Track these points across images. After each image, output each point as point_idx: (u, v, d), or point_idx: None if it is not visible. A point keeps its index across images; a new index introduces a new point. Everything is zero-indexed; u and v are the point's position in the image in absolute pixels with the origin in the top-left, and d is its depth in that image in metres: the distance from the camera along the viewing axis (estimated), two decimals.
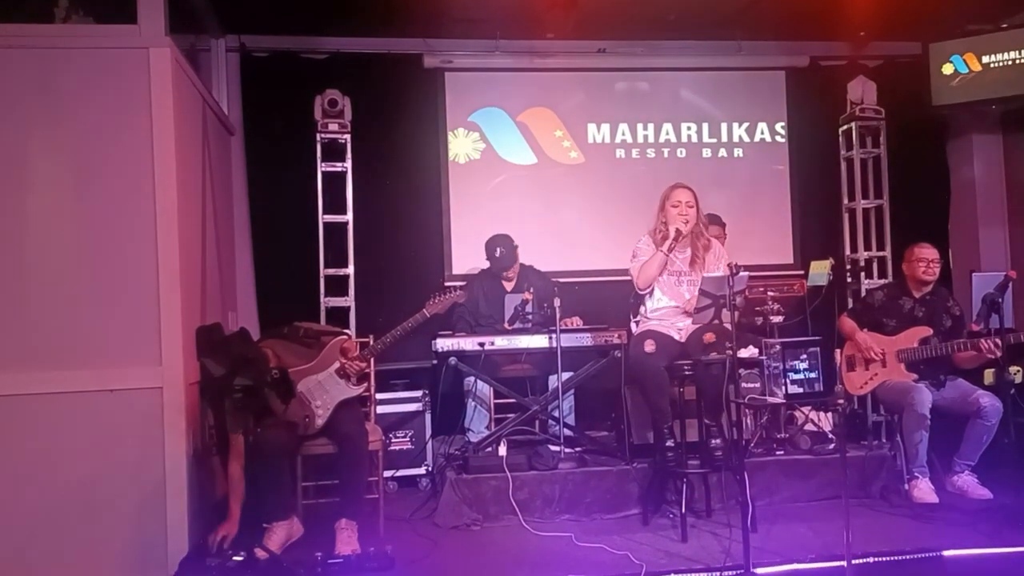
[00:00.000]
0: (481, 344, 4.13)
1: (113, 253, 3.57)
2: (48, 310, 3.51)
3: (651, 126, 5.81)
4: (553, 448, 4.02)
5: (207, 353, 3.52)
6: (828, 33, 5.67)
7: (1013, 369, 4.00)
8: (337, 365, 3.61)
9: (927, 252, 4.29)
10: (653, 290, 3.94)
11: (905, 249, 4.43)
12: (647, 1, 5.16)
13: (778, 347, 4.39)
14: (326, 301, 4.85)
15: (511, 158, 5.68)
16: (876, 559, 3.16)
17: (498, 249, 4.63)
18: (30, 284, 3.52)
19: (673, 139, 5.83)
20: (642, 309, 4.02)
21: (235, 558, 3.20)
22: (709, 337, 3.64)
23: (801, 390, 4.39)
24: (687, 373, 3.73)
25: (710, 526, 3.67)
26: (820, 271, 5.11)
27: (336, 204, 4.89)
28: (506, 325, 4.32)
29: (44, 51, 3.57)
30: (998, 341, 3.77)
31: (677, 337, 3.84)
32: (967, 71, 5.50)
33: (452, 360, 4.11)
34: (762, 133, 5.93)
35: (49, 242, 3.55)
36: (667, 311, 3.93)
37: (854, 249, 5.36)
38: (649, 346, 3.72)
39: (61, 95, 3.56)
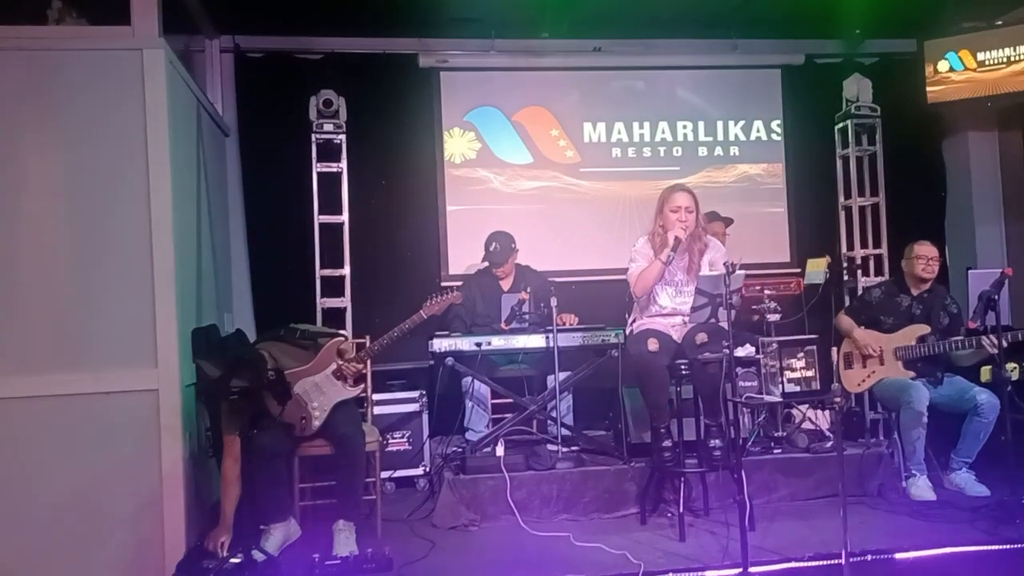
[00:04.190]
0: (478, 344, 4.12)
1: (108, 255, 3.56)
2: (43, 313, 3.50)
3: (647, 125, 5.81)
4: (551, 448, 4.01)
5: (203, 355, 3.50)
6: (823, 31, 5.67)
7: (1010, 366, 4.00)
8: (334, 367, 3.60)
9: (927, 249, 4.29)
10: (651, 297, 3.91)
11: (903, 246, 4.44)
12: (642, 0, 5.16)
13: (775, 345, 4.38)
14: (322, 302, 4.84)
15: (507, 158, 5.68)
16: (874, 556, 3.16)
17: (494, 244, 4.64)
18: (25, 287, 3.51)
19: (669, 138, 5.83)
20: (639, 311, 3.99)
21: (232, 560, 3.19)
22: (701, 338, 3.63)
23: (798, 388, 4.39)
24: (684, 372, 3.72)
25: (708, 525, 3.67)
26: (817, 269, 5.12)
27: (332, 205, 4.87)
28: (503, 325, 4.31)
29: (37, 53, 3.56)
30: None
31: (675, 336, 3.83)
32: (962, 68, 5.51)
33: (449, 360, 4.10)
34: (758, 131, 5.93)
35: (43, 244, 3.53)
36: (667, 315, 3.91)
37: (850, 247, 5.36)
38: (652, 344, 3.67)
39: (55, 97, 3.55)
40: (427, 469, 4.57)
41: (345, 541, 3.36)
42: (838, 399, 2.95)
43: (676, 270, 3.86)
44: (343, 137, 4.86)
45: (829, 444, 4.17)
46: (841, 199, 5.43)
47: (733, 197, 5.74)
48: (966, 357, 4.15)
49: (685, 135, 5.85)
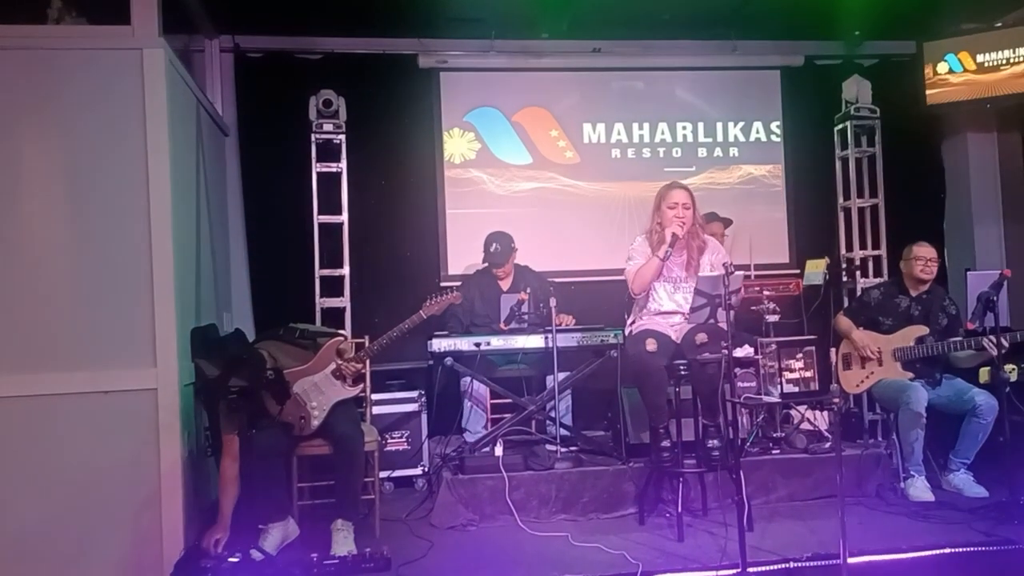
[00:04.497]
0: (477, 344, 4.12)
1: (107, 254, 3.55)
2: (42, 312, 3.50)
3: (646, 126, 5.81)
4: (549, 448, 4.01)
5: (202, 354, 3.50)
6: (823, 32, 5.68)
7: (1008, 368, 4.01)
8: (333, 366, 3.60)
9: (925, 251, 4.30)
10: (649, 294, 3.92)
11: (902, 248, 4.45)
12: (641, 1, 5.16)
13: (774, 346, 4.39)
14: (321, 302, 4.85)
15: (506, 158, 5.68)
16: (872, 557, 3.16)
17: (494, 244, 4.65)
18: (24, 286, 3.50)
19: (668, 139, 5.83)
20: (638, 310, 4.00)
21: (230, 559, 3.19)
22: (701, 338, 3.64)
23: (797, 389, 4.39)
24: (683, 373, 3.72)
25: (706, 525, 3.67)
26: (816, 270, 5.13)
27: (331, 205, 4.88)
28: (502, 325, 4.31)
29: (37, 52, 3.56)
30: None
31: (673, 336, 3.84)
32: (961, 70, 5.51)
33: (448, 360, 4.10)
34: (757, 132, 5.93)
35: (43, 244, 3.53)
36: (666, 314, 3.91)
37: (849, 248, 5.37)
38: (651, 345, 3.69)
39: (54, 96, 3.55)
40: (426, 469, 4.57)
41: (343, 541, 3.36)
42: (836, 400, 2.95)
43: (674, 267, 3.88)
44: (343, 137, 4.87)
45: (827, 445, 4.17)
46: (840, 200, 5.44)
47: (733, 198, 5.74)
48: (965, 359, 4.15)
49: (684, 136, 5.85)
